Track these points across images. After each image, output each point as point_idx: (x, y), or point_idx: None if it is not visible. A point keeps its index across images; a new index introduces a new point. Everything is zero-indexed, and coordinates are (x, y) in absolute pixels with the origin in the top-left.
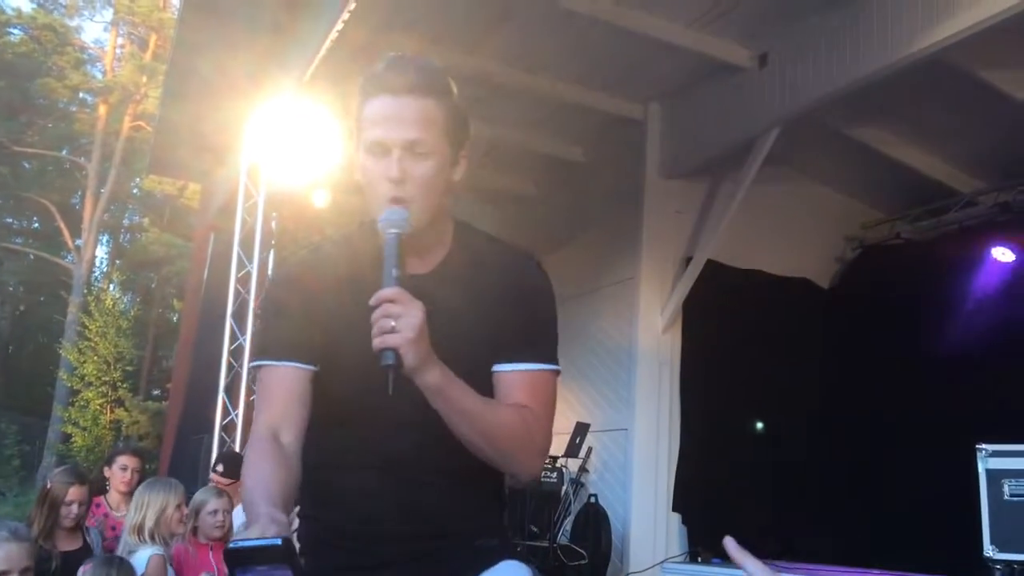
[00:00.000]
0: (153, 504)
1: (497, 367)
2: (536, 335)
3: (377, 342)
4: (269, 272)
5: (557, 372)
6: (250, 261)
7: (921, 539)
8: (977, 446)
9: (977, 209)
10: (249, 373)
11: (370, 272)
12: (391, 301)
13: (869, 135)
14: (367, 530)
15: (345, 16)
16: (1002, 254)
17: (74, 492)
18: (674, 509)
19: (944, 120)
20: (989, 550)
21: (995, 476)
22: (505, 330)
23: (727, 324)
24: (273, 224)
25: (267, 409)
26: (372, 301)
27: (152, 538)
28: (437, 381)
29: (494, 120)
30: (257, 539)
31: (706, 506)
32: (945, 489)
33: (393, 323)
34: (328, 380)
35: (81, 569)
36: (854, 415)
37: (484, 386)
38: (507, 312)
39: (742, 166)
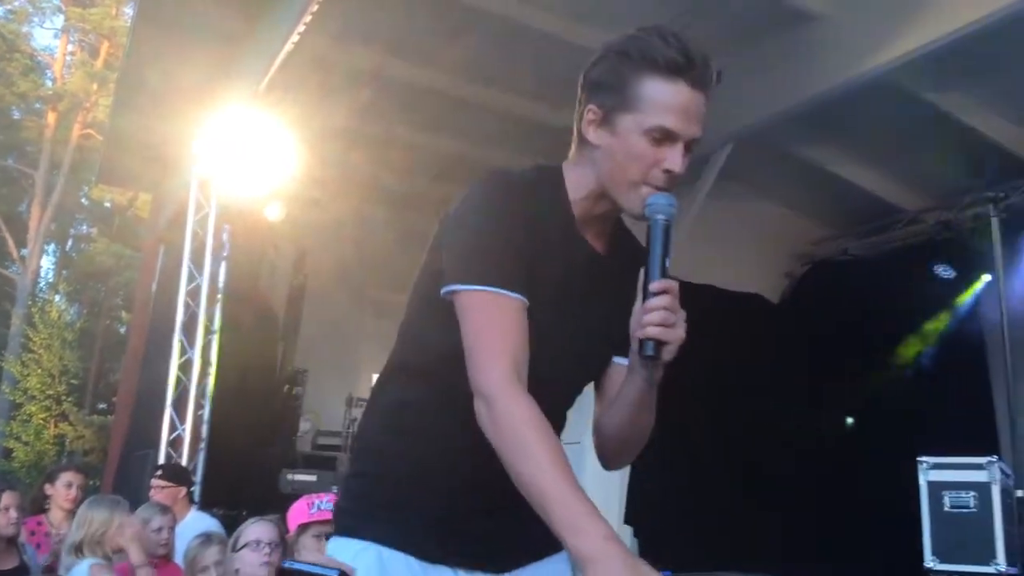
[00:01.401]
0: (96, 522)
1: (617, 359)
2: None
3: (652, 332)
4: (220, 285)
5: None
6: (200, 274)
7: (866, 550)
8: (918, 459)
9: (921, 227)
10: (198, 389)
11: (555, 231)
12: (672, 294)
13: (819, 154)
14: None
15: (301, 27)
16: (943, 271)
17: (7, 498)
18: (626, 522)
19: (890, 140)
20: (930, 561)
21: (936, 488)
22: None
23: None
24: (225, 237)
25: (506, 355)
26: (655, 287)
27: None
28: (660, 378)
29: (453, 134)
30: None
31: (658, 518)
32: (889, 500)
33: (675, 317)
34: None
35: None
36: (803, 428)
37: (589, 380)
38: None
39: (696, 181)
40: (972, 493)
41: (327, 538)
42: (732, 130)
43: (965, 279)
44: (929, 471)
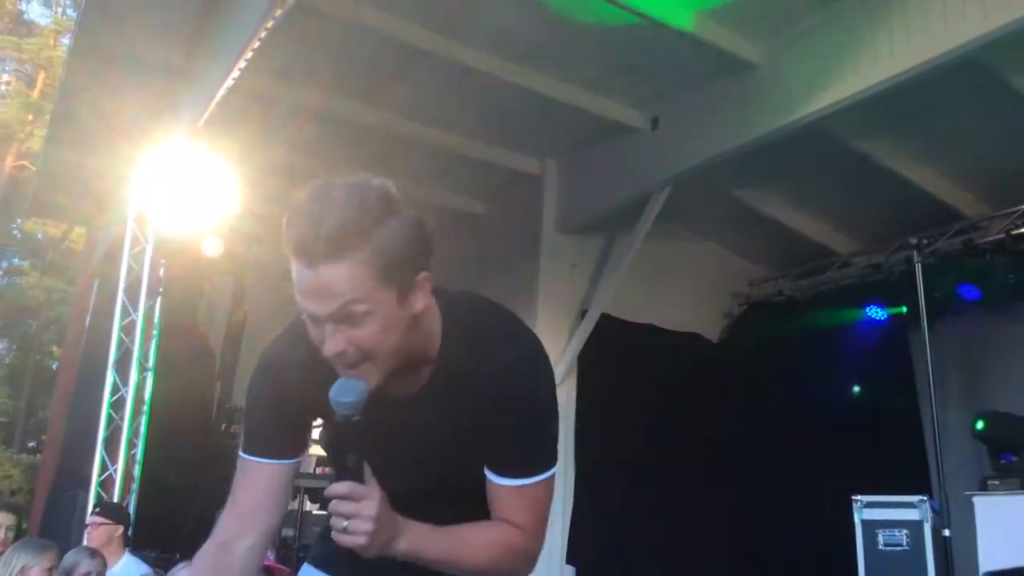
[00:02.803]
0: (19, 565)
1: (489, 475)
2: (527, 447)
3: (334, 535)
4: (156, 320)
5: (553, 474)
6: (135, 310)
7: None
8: (852, 497)
9: (852, 270)
10: (132, 427)
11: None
12: (342, 498)
13: (755, 196)
14: None
15: (243, 63)
16: (875, 312)
17: None
18: (568, 561)
19: (823, 185)
20: None
21: (869, 527)
22: (494, 443)
23: (621, 376)
24: (161, 272)
25: (231, 507)
26: (325, 493)
27: None
28: (404, 550)
29: (394, 173)
30: None
31: (600, 556)
32: (825, 538)
33: (345, 524)
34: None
35: None
36: (741, 465)
37: (479, 492)
38: (495, 426)
39: (635, 222)
40: (905, 531)
41: None
42: (671, 173)
43: (895, 320)
44: (863, 509)
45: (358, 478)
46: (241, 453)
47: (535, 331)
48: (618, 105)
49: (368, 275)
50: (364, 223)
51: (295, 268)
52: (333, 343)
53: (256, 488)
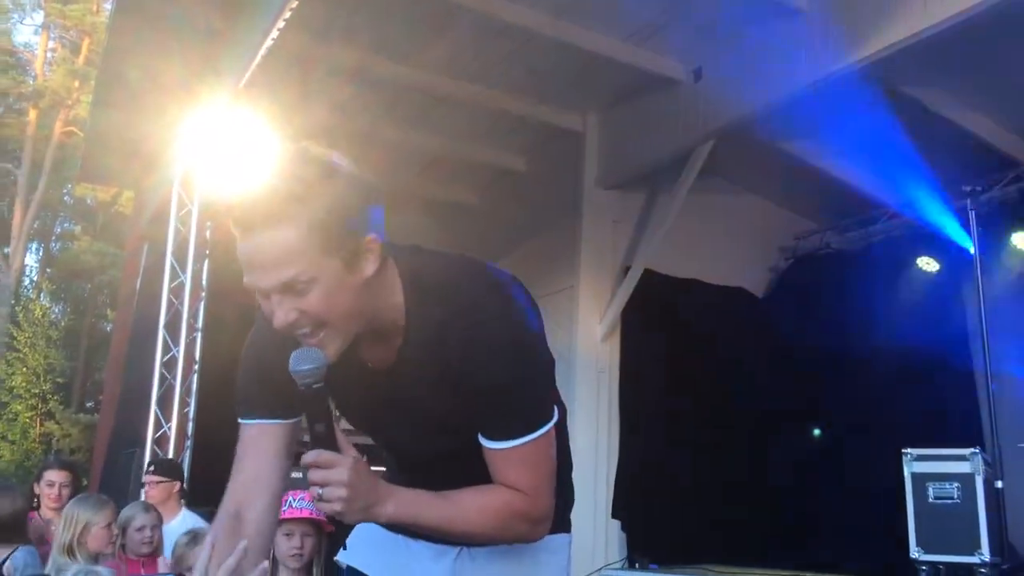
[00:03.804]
0: (80, 522)
1: (481, 440)
2: (508, 408)
3: (315, 504)
4: (203, 283)
5: (547, 431)
6: (184, 272)
7: (852, 541)
8: (903, 450)
9: (903, 220)
10: (183, 386)
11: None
12: (315, 466)
13: (800, 148)
14: None
15: (281, 24)
16: (926, 263)
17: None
18: (614, 516)
19: (870, 134)
20: (915, 552)
21: (920, 480)
22: (476, 408)
23: (665, 332)
24: (208, 234)
25: (236, 475)
26: (301, 463)
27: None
28: (391, 514)
29: (436, 131)
30: None
31: (645, 512)
32: (875, 492)
33: (320, 491)
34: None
35: None
36: (788, 421)
37: (477, 458)
38: (471, 390)
39: (678, 177)
40: (956, 484)
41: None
42: (714, 126)
43: (947, 271)
44: (913, 463)
45: (329, 446)
46: (239, 419)
47: (578, 288)
48: (660, 57)
49: (306, 241)
50: (298, 189)
51: (238, 244)
52: (282, 314)
53: (257, 452)
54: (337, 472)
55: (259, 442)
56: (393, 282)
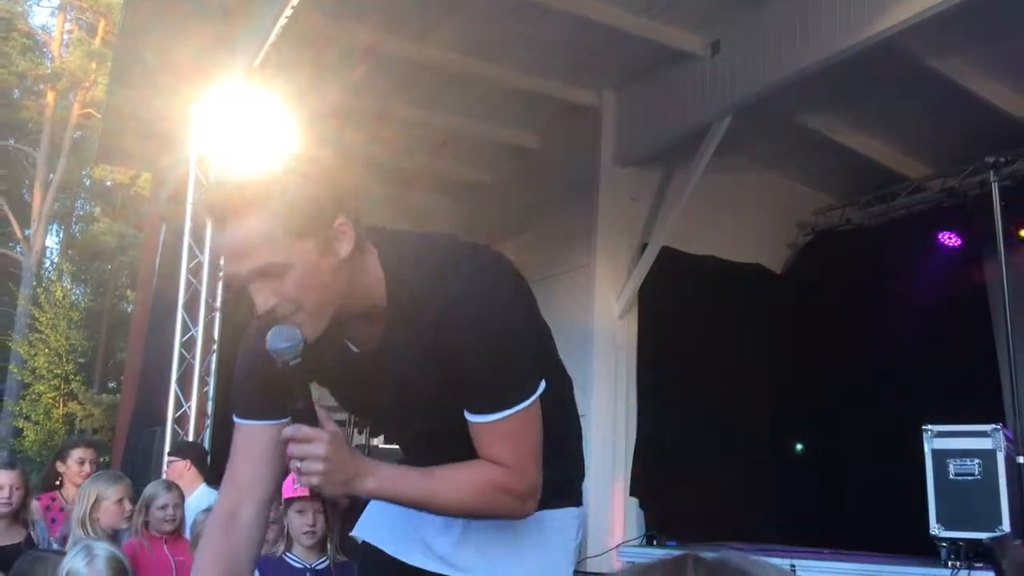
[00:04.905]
0: (91, 496)
1: (468, 416)
2: (488, 381)
3: (296, 478)
4: (221, 262)
5: (528, 406)
6: (201, 251)
7: (872, 518)
8: (923, 426)
9: (924, 195)
10: (203, 366)
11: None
12: (293, 440)
13: (819, 122)
14: None
15: (294, 3)
16: (948, 239)
17: (2, 476)
18: (632, 493)
19: (893, 107)
20: (935, 528)
21: (940, 456)
22: (457, 383)
23: (683, 309)
24: None
25: (230, 476)
26: (281, 437)
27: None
28: (372, 489)
29: (449, 109)
30: None
31: (664, 490)
32: (894, 469)
33: (299, 465)
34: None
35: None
36: (807, 398)
37: (467, 435)
38: (452, 365)
39: (695, 153)
40: (977, 460)
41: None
42: (732, 101)
43: (970, 246)
44: (934, 439)
45: (309, 421)
46: (234, 419)
47: (594, 265)
48: (677, 31)
49: (278, 228)
50: (265, 178)
51: (216, 237)
52: (262, 299)
53: (250, 452)
54: (315, 447)
55: (253, 443)
56: (373, 265)
